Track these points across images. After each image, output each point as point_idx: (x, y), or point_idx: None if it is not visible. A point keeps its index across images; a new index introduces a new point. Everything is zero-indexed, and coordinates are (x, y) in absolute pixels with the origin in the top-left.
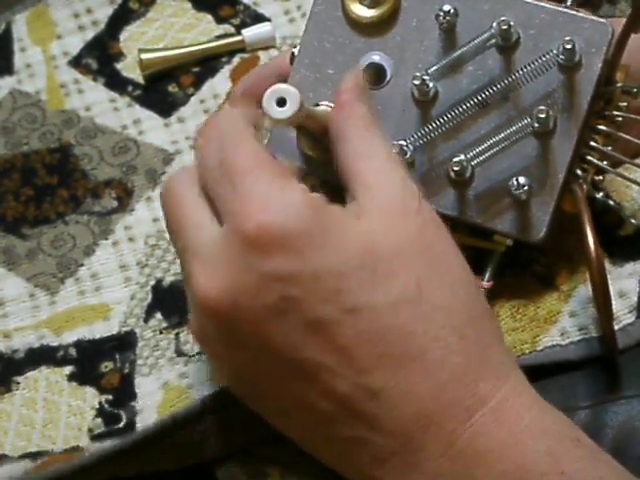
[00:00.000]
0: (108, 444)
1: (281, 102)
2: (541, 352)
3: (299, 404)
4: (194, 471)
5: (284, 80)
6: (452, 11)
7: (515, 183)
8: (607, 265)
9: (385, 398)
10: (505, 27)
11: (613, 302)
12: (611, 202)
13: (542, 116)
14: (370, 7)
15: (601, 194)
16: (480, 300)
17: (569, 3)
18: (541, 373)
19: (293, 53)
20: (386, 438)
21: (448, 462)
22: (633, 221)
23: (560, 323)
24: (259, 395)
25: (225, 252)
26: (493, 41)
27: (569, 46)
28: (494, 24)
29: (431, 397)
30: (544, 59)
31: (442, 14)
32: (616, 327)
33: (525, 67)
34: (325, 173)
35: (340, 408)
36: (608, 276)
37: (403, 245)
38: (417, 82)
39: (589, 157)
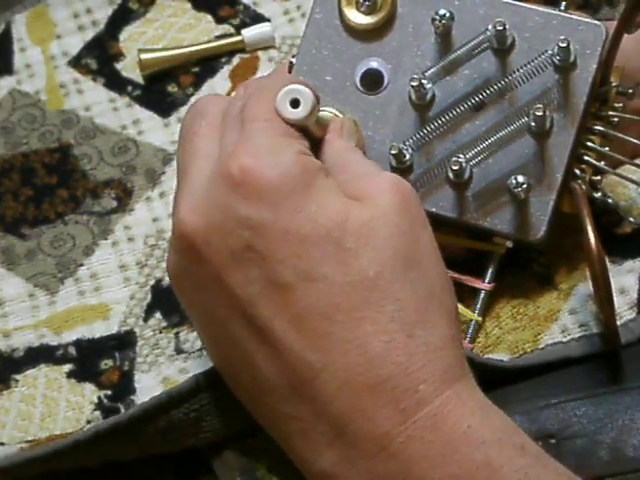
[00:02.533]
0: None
1: (295, 103)
2: (543, 350)
3: (248, 365)
4: (190, 462)
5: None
6: (447, 15)
7: (514, 182)
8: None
9: (324, 381)
10: (500, 28)
11: (613, 299)
12: (609, 201)
13: (539, 114)
14: (367, 14)
15: (599, 194)
16: (444, 302)
17: (563, 7)
18: (540, 369)
19: (291, 62)
20: (323, 425)
21: (382, 464)
22: (632, 219)
23: (560, 320)
24: (216, 347)
25: (210, 187)
26: (488, 43)
27: (564, 45)
28: (489, 26)
29: (367, 392)
30: (540, 59)
31: (438, 18)
32: (617, 323)
33: (521, 68)
34: None
35: (284, 379)
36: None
37: (376, 226)
38: (414, 84)
39: (587, 157)
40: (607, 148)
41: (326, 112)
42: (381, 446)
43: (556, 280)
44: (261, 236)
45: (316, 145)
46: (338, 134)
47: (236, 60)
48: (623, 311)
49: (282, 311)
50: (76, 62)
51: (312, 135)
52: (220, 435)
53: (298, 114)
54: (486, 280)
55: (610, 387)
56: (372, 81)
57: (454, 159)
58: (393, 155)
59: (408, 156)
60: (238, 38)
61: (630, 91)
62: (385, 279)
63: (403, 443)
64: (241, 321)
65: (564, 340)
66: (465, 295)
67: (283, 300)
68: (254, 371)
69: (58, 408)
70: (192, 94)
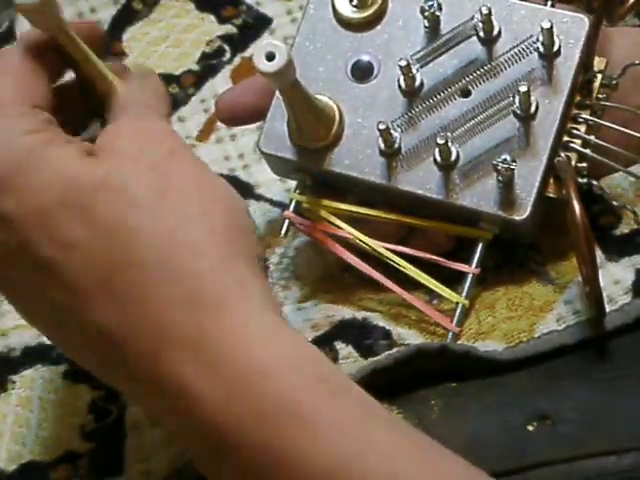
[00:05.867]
0: None
1: (270, 57)
2: (539, 339)
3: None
4: None
5: None
6: (435, 5)
7: (499, 161)
8: (603, 260)
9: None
10: (486, 12)
11: (609, 289)
12: (594, 183)
13: (523, 89)
14: (359, 8)
15: (585, 180)
16: (210, 223)
17: (550, 4)
18: (537, 359)
19: None
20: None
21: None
22: (615, 203)
23: (556, 310)
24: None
25: None
26: (475, 30)
27: (547, 26)
28: (476, 13)
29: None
30: (524, 44)
31: (427, 7)
32: (613, 307)
33: (506, 53)
34: (318, 165)
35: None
36: (603, 269)
37: (112, 176)
38: (402, 64)
39: (572, 145)
40: (592, 137)
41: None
42: (177, 389)
43: (552, 276)
44: (11, 225)
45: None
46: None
47: (237, 60)
48: (618, 296)
49: (57, 284)
50: None
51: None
52: None
53: (275, 65)
54: (473, 265)
55: (605, 374)
56: (363, 72)
57: (440, 134)
58: (381, 132)
59: (396, 135)
60: None
61: (614, 82)
62: (133, 220)
63: (189, 382)
64: (34, 310)
65: (559, 328)
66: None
67: (56, 277)
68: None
69: (54, 412)
70: (193, 94)
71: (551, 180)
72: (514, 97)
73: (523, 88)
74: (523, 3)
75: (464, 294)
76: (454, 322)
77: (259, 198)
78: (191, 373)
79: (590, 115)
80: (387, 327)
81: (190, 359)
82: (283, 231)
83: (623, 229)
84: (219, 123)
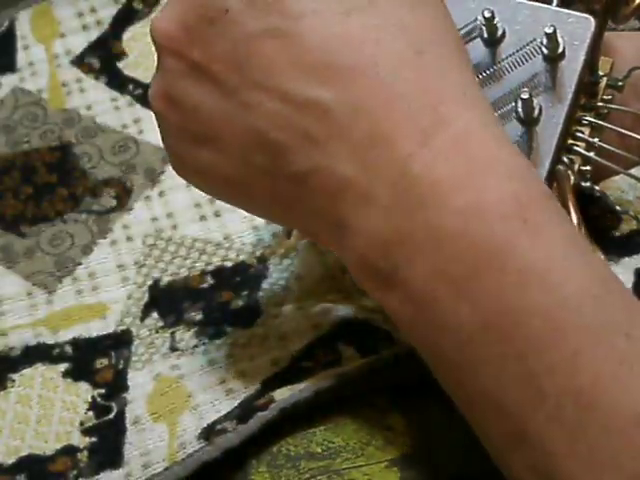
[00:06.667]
0: None
1: None
2: None
3: (247, 137)
4: None
5: None
6: None
7: None
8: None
9: (335, 116)
10: (488, 15)
11: None
12: (596, 188)
13: (525, 97)
14: None
15: (588, 184)
16: (448, 27)
17: (555, 4)
18: None
19: None
20: (340, 164)
21: (403, 192)
22: (618, 208)
23: None
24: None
25: None
26: (478, 32)
27: (550, 31)
28: (479, 15)
29: (383, 113)
30: (528, 47)
31: None
32: None
33: (510, 56)
34: None
35: (292, 132)
36: None
37: None
38: None
39: (576, 148)
40: (597, 139)
41: None
42: (402, 171)
43: None
44: None
45: None
46: None
47: None
48: None
49: (279, 58)
50: (79, 61)
51: None
52: None
53: None
54: None
55: None
56: None
57: None
58: None
59: None
60: None
61: (620, 83)
62: (380, 4)
63: (425, 165)
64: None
65: None
66: None
67: (275, 46)
68: (258, 140)
69: (53, 409)
70: None
71: (554, 184)
72: (517, 102)
73: (525, 95)
74: (527, 3)
75: None
76: None
77: None
78: (427, 155)
79: (594, 117)
80: (388, 328)
81: (422, 141)
82: (286, 231)
83: (623, 230)
84: None
